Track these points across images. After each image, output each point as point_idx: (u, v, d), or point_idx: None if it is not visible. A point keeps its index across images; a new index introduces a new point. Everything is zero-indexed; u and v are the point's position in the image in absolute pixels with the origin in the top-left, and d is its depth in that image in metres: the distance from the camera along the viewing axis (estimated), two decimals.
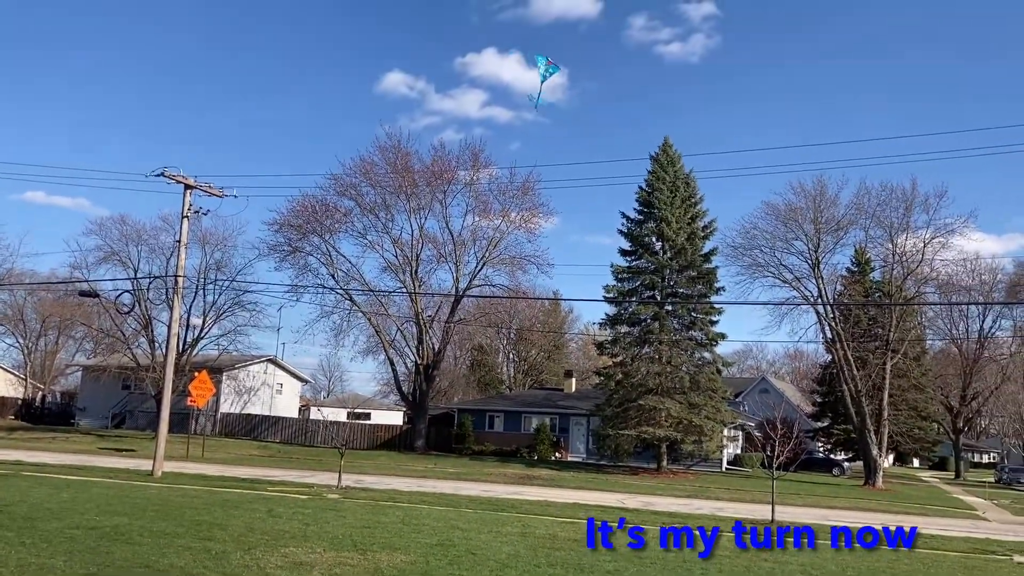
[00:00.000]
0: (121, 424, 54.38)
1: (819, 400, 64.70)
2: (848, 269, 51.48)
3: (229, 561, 11.13)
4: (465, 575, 11.06)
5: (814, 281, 44.15)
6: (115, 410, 55.20)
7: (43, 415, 60.10)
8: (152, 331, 47.83)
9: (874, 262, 52.46)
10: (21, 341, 68.80)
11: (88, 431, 49.94)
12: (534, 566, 12.12)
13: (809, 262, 43.91)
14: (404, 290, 50.97)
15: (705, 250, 43.65)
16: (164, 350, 34.46)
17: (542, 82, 32.33)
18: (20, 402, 62.64)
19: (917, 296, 47.00)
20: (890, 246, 44.74)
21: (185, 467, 29.31)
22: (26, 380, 68.44)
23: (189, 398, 36.93)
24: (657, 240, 43.60)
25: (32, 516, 14.57)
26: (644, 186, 43.94)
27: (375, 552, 12.59)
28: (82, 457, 32.40)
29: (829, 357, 51.39)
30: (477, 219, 51.11)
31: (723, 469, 47.02)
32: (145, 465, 27.42)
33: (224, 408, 54.35)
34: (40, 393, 68.91)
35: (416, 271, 51.32)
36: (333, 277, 50.71)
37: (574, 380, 61.52)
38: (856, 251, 50.47)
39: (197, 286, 47.37)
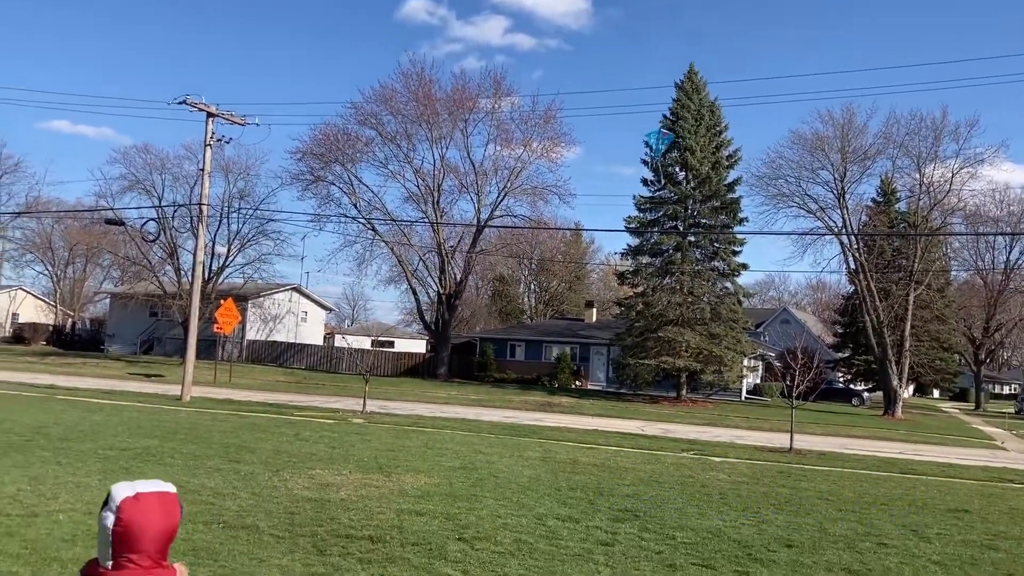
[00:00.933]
0: (149, 350, 55.37)
1: (840, 331, 64.61)
2: (874, 199, 50.81)
3: (258, 482, 11.47)
4: (488, 496, 11.34)
5: (839, 211, 43.72)
6: (143, 336, 56.14)
7: (74, 341, 61.24)
8: (178, 259, 48.33)
9: (900, 192, 51.70)
10: (50, 269, 69.81)
11: (118, 357, 50.93)
12: (555, 489, 12.40)
13: (834, 192, 43.40)
14: (426, 220, 51.03)
15: (729, 180, 43.26)
16: (190, 278, 34.86)
17: (654, 157, 31.24)
18: (51, 328, 63.80)
19: (943, 227, 46.44)
20: (917, 176, 44.05)
21: (213, 392, 29.92)
22: (56, 307, 69.62)
23: (216, 325, 37.52)
24: (681, 170, 43.19)
25: (67, 437, 15.02)
26: (668, 114, 43.35)
27: (400, 474, 12.90)
28: (112, 382, 33.14)
29: (852, 288, 51.16)
30: (499, 149, 50.80)
31: (742, 399, 47.36)
32: (174, 390, 28.02)
33: (250, 335, 55.13)
34: (70, 320, 70.14)
35: (438, 201, 51.25)
36: (355, 207, 50.82)
37: (595, 311, 61.70)
38: (882, 181, 49.73)
39: (221, 215, 47.63)
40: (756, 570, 8.11)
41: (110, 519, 2.70)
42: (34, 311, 70.19)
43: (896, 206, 51.62)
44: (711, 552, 8.79)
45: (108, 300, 62.50)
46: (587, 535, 9.28)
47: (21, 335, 61.31)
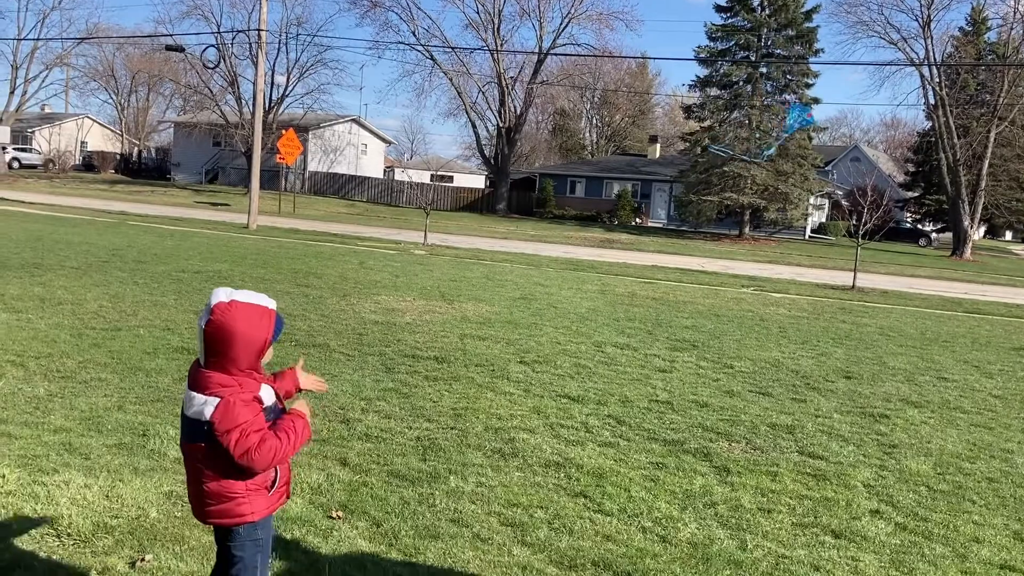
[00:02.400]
0: (214, 179, 56.31)
1: (912, 170, 62.51)
2: (961, 29, 47.73)
3: (326, 305, 11.84)
4: (547, 325, 11.56)
5: (922, 41, 41.25)
6: (207, 166, 56.97)
7: (141, 170, 62.49)
8: (238, 88, 48.27)
9: (991, 21, 48.40)
10: (114, 97, 70.42)
11: (184, 186, 52.00)
12: (613, 319, 12.57)
13: (919, 20, 40.80)
14: (486, 48, 49.66)
15: (807, 7, 40.96)
16: (251, 107, 34.87)
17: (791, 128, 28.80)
18: (119, 157, 65.04)
19: None
20: (1011, 3, 41.05)
21: (277, 222, 30.54)
22: (122, 135, 70.71)
23: (278, 155, 37.84)
24: None
25: (141, 260, 15.59)
26: None
27: (461, 302, 13.18)
28: (180, 210, 34.00)
29: (929, 124, 49.01)
30: None
31: (806, 237, 46.74)
32: (240, 219, 28.65)
33: (312, 167, 55.57)
34: (136, 148, 71.35)
35: (498, 28, 49.69)
36: (414, 34, 49.63)
37: (658, 146, 60.45)
38: (973, 9, 46.60)
39: (280, 42, 47.02)
40: (813, 398, 8.22)
41: (204, 319, 2.81)
42: (101, 139, 71.45)
43: (985, 36, 48.49)
44: (769, 381, 8.91)
45: (172, 129, 63.17)
46: (645, 362, 9.46)
47: (91, 163, 62.70)
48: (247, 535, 2.96)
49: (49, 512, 4.20)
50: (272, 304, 2.90)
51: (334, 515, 4.45)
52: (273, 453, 2.82)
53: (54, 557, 3.78)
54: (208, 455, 2.83)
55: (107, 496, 4.46)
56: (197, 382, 2.86)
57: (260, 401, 2.88)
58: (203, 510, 2.93)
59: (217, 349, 2.81)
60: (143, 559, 3.77)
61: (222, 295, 2.83)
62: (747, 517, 4.91)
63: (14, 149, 59.58)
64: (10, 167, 55.48)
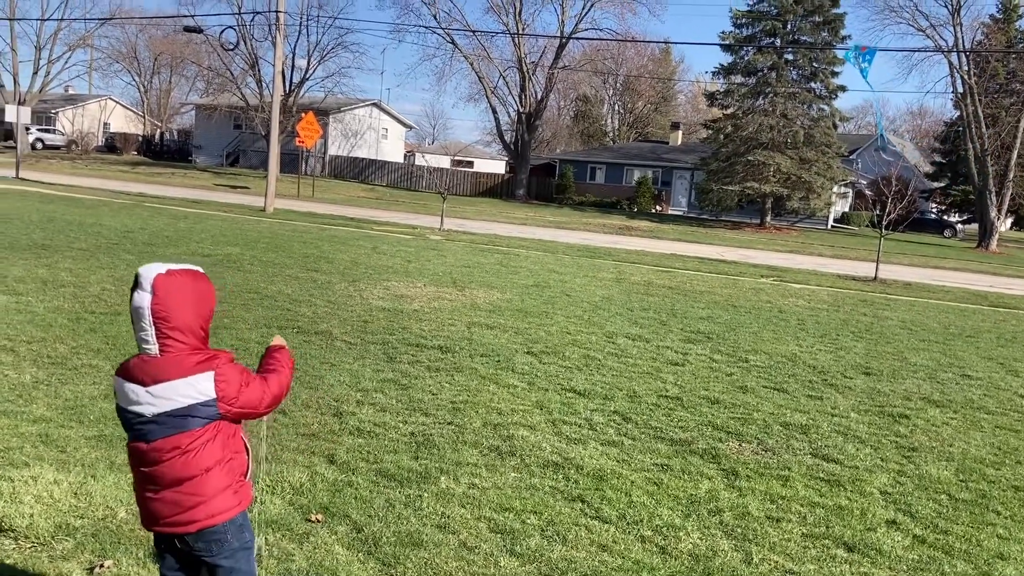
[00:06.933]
0: (235, 162, 56.31)
1: (938, 160, 61.48)
2: (992, 16, 46.66)
3: (333, 291, 11.62)
4: (559, 313, 11.29)
5: (951, 28, 40.31)
6: (228, 149, 56.97)
7: (163, 152, 62.59)
8: (259, 71, 48.11)
9: (1023, 8, 47.31)
10: (137, 79, 70.61)
11: (205, 168, 52.02)
12: (627, 309, 12.27)
13: (949, 7, 39.86)
14: (507, 32, 49.17)
15: None
16: (271, 89, 34.72)
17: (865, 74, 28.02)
18: (141, 138, 65.23)
19: None
20: None
21: (296, 205, 30.38)
22: (144, 117, 70.90)
23: (297, 138, 37.65)
24: None
25: (151, 242, 15.44)
26: None
27: (472, 289, 12.93)
28: (199, 192, 33.92)
29: (956, 113, 48.00)
30: None
31: (829, 227, 46.07)
32: (258, 202, 28.50)
33: (332, 151, 55.41)
34: (158, 130, 71.53)
35: (519, 12, 49.18)
36: (435, 17, 49.22)
37: (680, 133, 59.78)
38: None
39: (300, 24, 46.80)
40: (830, 395, 7.90)
41: (145, 299, 2.54)
42: (124, 121, 71.68)
43: (1016, 23, 47.43)
44: (784, 376, 8.59)
45: (193, 111, 63.22)
46: (657, 354, 9.16)
47: (113, 144, 62.92)
48: (235, 537, 2.68)
49: (10, 510, 3.99)
50: (201, 270, 2.68)
51: (313, 518, 4.21)
52: (279, 383, 2.80)
53: (7, 562, 3.55)
54: (202, 439, 2.59)
55: (75, 493, 4.24)
56: (162, 371, 2.57)
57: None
58: (182, 515, 2.62)
59: (170, 326, 2.55)
60: (102, 565, 3.55)
61: (157, 267, 2.57)
62: (754, 526, 4.63)
63: (38, 130, 59.85)
64: (33, 148, 55.74)
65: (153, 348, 2.57)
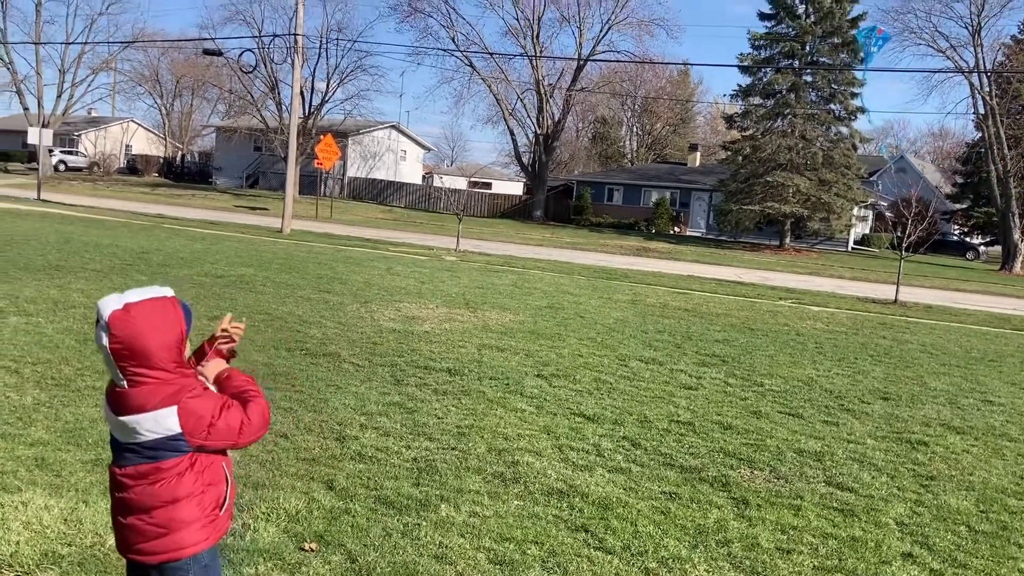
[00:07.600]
0: (255, 184, 56.70)
1: (960, 181, 60.92)
2: (1013, 37, 46.31)
3: (344, 312, 11.55)
4: (572, 336, 11.15)
5: (972, 50, 40.02)
6: (248, 171, 57.39)
7: (183, 173, 63.15)
8: (279, 93, 48.54)
9: None
10: (159, 101, 71.41)
11: (225, 190, 52.38)
12: (641, 331, 12.11)
13: (970, 28, 39.60)
14: (524, 54, 49.35)
15: (853, 14, 40.04)
16: (291, 111, 34.98)
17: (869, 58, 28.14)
18: (162, 160, 65.86)
19: None
20: None
21: (313, 226, 30.48)
22: (166, 139, 71.63)
23: (316, 160, 37.88)
24: (801, 3, 40.16)
25: (166, 263, 15.47)
26: None
27: (485, 311, 12.82)
28: (218, 213, 34.12)
29: (978, 135, 47.61)
30: None
31: (848, 249, 45.67)
32: (276, 223, 28.63)
33: (351, 172, 55.70)
34: (180, 152, 72.23)
35: (538, 35, 49.38)
36: (453, 40, 49.48)
37: (699, 154, 59.57)
38: None
39: (319, 47, 47.20)
40: (846, 421, 7.71)
41: (102, 338, 2.46)
42: (145, 143, 72.45)
43: None
44: (800, 401, 8.41)
45: (214, 134, 63.79)
46: (670, 378, 9.00)
47: (134, 166, 63.54)
48: (197, 572, 2.61)
49: None
50: (169, 292, 2.57)
51: (307, 547, 4.09)
52: (260, 413, 2.64)
53: None
54: (174, 471, 2.51)
55: (66, 520, 4.15)
56: (128, 405, 2.51)
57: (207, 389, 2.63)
58: (146, 544, 2.56)
59: (134, 363, 2.46)
60: None
61: (113, 303, 2.48)
62: (763, 558, 4.46)
63: (61, 152, 60.54)
64: (56, 170, 56.38)
65: (123, 383, 2.50)
